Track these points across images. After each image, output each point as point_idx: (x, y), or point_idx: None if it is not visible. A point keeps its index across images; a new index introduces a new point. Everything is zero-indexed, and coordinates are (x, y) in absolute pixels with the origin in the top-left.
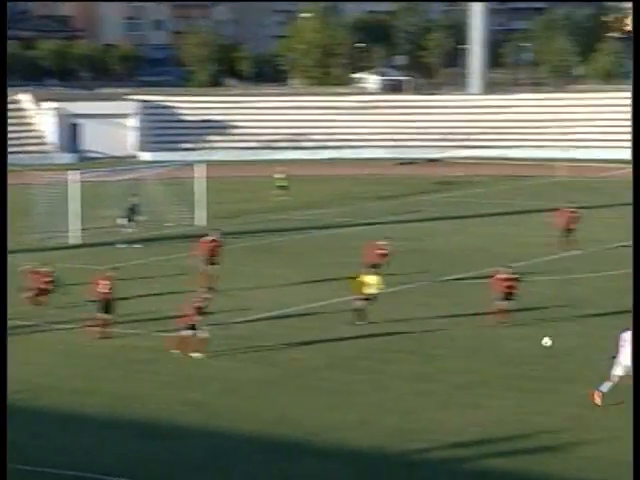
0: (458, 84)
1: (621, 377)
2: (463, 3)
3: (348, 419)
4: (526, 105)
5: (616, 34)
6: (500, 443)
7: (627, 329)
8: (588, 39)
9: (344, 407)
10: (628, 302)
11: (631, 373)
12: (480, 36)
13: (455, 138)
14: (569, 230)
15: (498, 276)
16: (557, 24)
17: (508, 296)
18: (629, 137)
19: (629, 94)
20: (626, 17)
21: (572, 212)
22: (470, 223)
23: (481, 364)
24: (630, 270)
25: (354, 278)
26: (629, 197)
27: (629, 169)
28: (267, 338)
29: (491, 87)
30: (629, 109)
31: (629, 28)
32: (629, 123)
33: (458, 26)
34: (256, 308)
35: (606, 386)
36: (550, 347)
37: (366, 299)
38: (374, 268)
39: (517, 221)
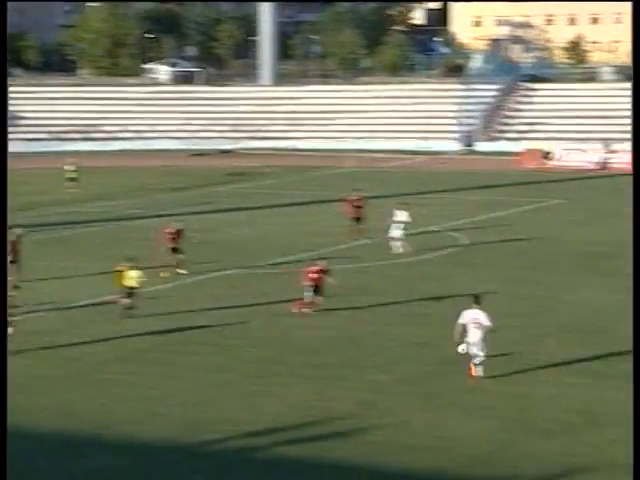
0: (249, 75)
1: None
2: None
3: (139, 412)
4: (315, 97)
5: (401, 27)
6: (293, 431)
7: (467, 310)
8: (374, 32)
9: (135, 400)
10: (418, 289)
11: (475, 350)
12: (269, 28)
13: (246, 129)
14: (358, 219)
15: (310, 268)
16: (344, 17)
17: (316, 288)
18: (415, 128)
19: (416, 86)
20: (410, 11)
21: (359, 201)
22: (262, 214)
23: (275, 353)
24: (412, 259)
25: (119, 272)
26: (414, 186)
27: (414, 159)
28: (58, 332)
29: (281, 79)
30: (415, 100)
31: (414, 22)
32: (416, 115)
33: (248, 18)
34: (48, 302)
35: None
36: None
37: (129, 294)
38: (175, 252)
39: (308, 211)
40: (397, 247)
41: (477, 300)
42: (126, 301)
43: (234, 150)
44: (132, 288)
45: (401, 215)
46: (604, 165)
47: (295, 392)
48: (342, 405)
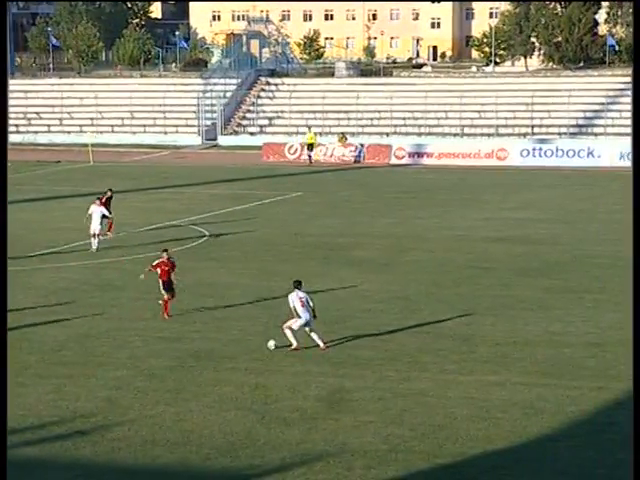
0: None
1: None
2: None
3: None
4: (51, 90)
5: (140, 20)
6: (30, 431)
7: (294, 292)
8: (113, 25)
9: None
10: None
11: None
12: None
13: None
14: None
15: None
16: (80, 9)
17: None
18: (156, 122)
19: (156, 80)
20: (149, 4)
21: (103, 197)
22: None
23: (13, 352)
24: (156, 253)
25: None
26: (156, 181)
27: (157, 153)
28: None
29: (16, 71)
30: (156, 94)
31: (153, 15)
32: (157, 109)
33: None
34: None
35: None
36: (274, 348)
37: None
38: None
39: (46, 207)
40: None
41: (299, 284)
42: None
43: None
44: None
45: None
46: (341, 159)
47: (33, 392)
48: (83, 403)
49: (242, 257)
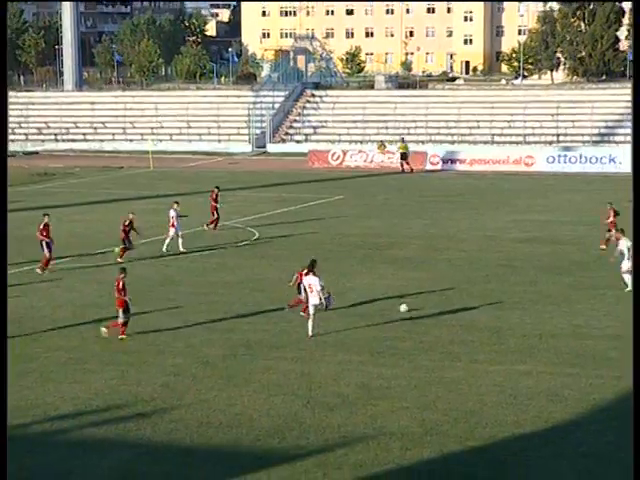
0: (53, 81)
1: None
2: (54, 4)
3: None
4: (116, 102)
5: (196, 38)
6: (96, 414)
7: (307, 275)
8: (171, 42)
9: None
10: (211, 279)
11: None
12: (71, 37)
13: (52, 132)
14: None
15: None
16: (142, 27)
17: None
18: (211, 131)
19: (210, 92)
20: (205, 22)
21: (212, 193)
22: (71, 211)
23: (79, 342)
24: (208, 252)
25: None
26: (209, 185)
27: (211, 160)
28: None
29: (84, 85)
30: (211, 106)
31: (208, 33)
32: (212, 119)
33: (51, 27)
34: None
35: (309, 327)
36: (406, 311)
37: None
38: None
39: (112, 209)
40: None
41: (311, 265)
42: None
43: (40, 152)
44: None
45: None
46: (380, 165)
47: (99, 378)
48: (144, 388)
49: (289, 255)
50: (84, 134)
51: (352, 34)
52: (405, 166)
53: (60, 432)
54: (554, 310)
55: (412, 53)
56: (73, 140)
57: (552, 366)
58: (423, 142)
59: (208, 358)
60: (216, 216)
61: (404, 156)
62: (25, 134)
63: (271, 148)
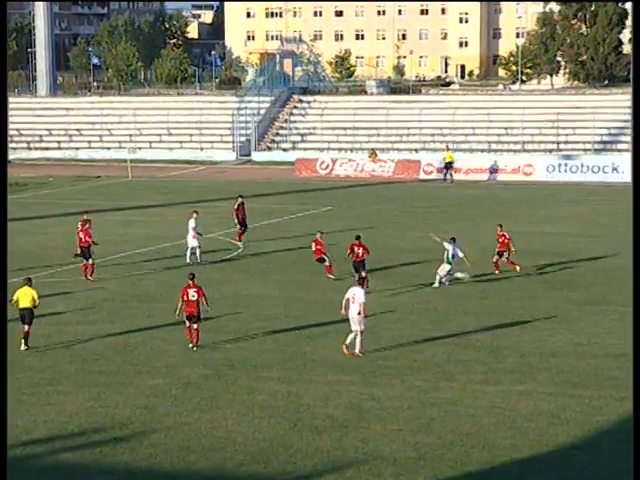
0: (26, 86)
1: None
2: (26, 5)
3: None
4: (92, 107)
5: (177, 41)
6: (71, 438)
7: (352, 287)
8: (151, 45)
9: None
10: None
11: (358, 325)
12: (45, 39)
13: (24, 140)
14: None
15: None
16: (120, 30)
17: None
18: (192, 139)
19: (192, 97)
20: (186, 24)
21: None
22: (44, 223)
23: (54, 361)
24: (187, 266)
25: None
26: (193, 195)
27: (193, 169)
28: None
29: (58, 90)
30: (192, 112)
31: (189, 35)
32: (193, 125)
33: (24, 29)
34: None
35: (349, 338)
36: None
37: None
38: None
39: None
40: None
41: (359, 277)
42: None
43: (11, 161)
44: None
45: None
46: (371, 174)
47: (74, 399)
48: (121, 411)
49: (275, 269)
50: (58, 142)
51: (341, 36)
52: (448, 176)
53: (33, 457)
54: (554, 327)
55: (405, 56)
56: (47, 148)
57: (553, 386)
58: (416, 150)
59: (189, 378)
60: (241, 227)
61: (449, 166)
62: None
63: (256, 156)
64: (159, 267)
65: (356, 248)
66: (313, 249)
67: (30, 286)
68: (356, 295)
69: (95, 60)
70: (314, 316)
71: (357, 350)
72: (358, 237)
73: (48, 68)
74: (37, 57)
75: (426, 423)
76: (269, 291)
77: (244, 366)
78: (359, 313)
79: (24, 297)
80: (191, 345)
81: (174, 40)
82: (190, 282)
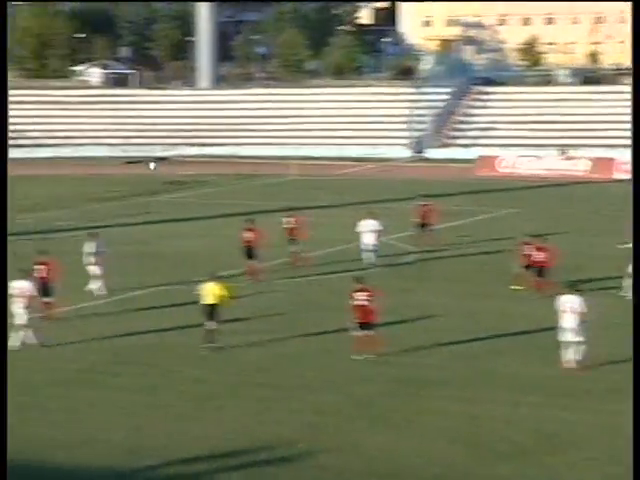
0: (186, 78)
1: (570, 341)
2: None
3: (73, 437)
4: (257, 101)
5: (347, 27)
6: (234, 456)
7: (565, 294)
8: (319, 33)
9: (68, 425)
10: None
11: (575, 335)
12: (208, 28)
13: (183, 135)
14: (424, 225)
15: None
16: (287, 16)
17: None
18: (363, 134)
19: (363, 89)
20: (356, 10)
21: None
22: (201, 225)
23: (216, 373)
24: (362, 272)
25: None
26: (363, 195)
27: (362, 166)
28: None
29: (221, 81)
30: (363, 104)
31: (360, 21)
32: (364, 120)
33: (185, 17)
34: None
35: (576, 354)
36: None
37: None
38: None
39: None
40: (369, 257)
41: (575, 286)
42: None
43: (170, 157)
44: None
45: (368, 225)
46: (561, 174)
47: (235, 415)
48: (285, 428)
49: (453, 277)
50: (220, 137)
51: (529, 21)
52: None
53: (193, 477)
54: None
55: (601, 43)
56: (207, 144)
57: None
58: (613, 147)
59: (360, 395)
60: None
61: None
62: (154, 137)
63: (431, 153)
64: (329, 272)
65: (536, 252)
66: (524, 253)
67: (218, 283)
68: (572, 304)
69: (260, 49)
70: (494, 329)
71: (575, 364)
72: (543, 240)
73: (211, 58)
74: (199, 47)
75: (622, 452)
76: (448, 301)
77: (418, 383)
78: (580, 323)
79: (211, 293)
80: (361, 357)
81: (344, 27)
82: (359, 285)
